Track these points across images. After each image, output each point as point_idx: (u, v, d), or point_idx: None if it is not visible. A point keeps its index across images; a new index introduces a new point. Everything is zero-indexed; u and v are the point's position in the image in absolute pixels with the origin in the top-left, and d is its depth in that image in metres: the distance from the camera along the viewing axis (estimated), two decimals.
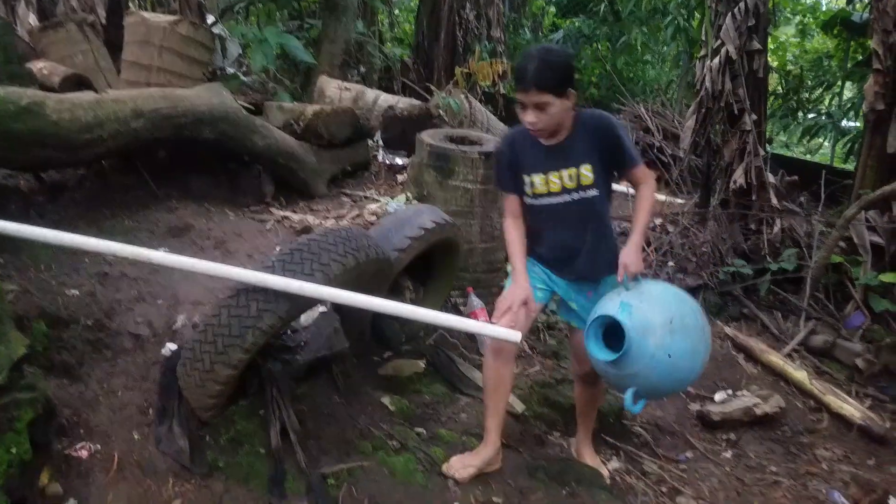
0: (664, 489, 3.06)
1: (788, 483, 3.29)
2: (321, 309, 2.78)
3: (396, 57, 8.34)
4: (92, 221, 2.86)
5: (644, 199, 2.52)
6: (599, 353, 2.36)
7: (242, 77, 5.96)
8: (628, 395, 2.31)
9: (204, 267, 2.16)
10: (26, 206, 2.95)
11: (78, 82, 3.83)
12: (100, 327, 2.56)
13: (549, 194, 2.53)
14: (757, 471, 3.37)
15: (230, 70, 5.98)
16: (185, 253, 2.70)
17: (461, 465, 2.62)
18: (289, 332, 2.67)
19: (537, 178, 2.53)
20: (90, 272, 2.78)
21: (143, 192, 3.63)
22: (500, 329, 2.30)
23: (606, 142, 2.45)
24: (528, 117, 2.38)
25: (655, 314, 2.29)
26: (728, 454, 3.49)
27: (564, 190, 2.50)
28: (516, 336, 2.26)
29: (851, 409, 3.85)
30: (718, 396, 3.95)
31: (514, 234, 2.60)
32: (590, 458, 3.00)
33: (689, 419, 3.75)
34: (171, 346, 2.60)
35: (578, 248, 2.58)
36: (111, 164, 3.54)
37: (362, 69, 7.52)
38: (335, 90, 5.85)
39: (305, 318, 2.73)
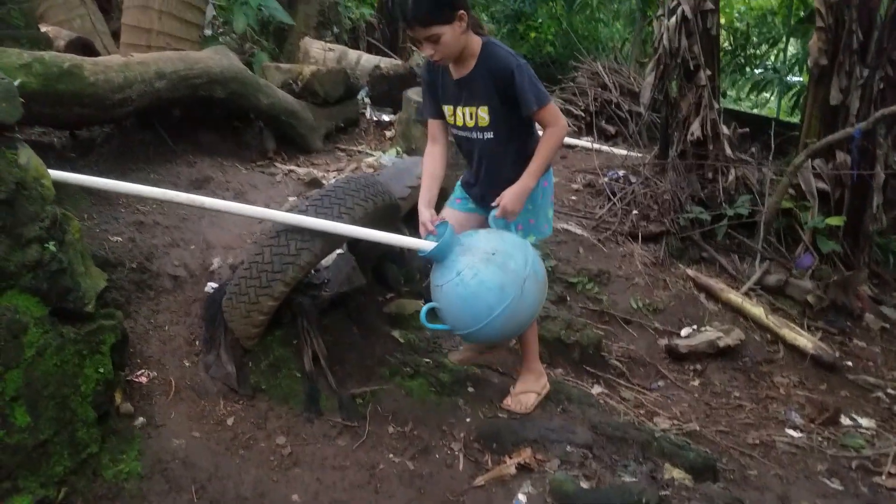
0: (642, 412, 3.30)
1: (751, 406, 3.58)
2: (338, 251, 3.06)
3: (362, 17, 8.45)
4: (120, 175, 3.03)
5: (542, 143, 2.45)
6: (425, 248, 2.43)
7: (220, 39, 6.05)
8: (425, 308, 2.41)
9: (255, 212, 2.44)
10: (61, 161, 3.11)
11: (82, 45, 3.95)
12: (142, 269, 2.78)
13: (456, 126, 2.60)
14: (722, 396, 3.63)
15: (207, 32, 6.06)
16: None
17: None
18: (313, 271, 2.94)
19: (447, 109, 2.59)
20: (127, 221, 2.98)
21: (162, 147, 3.82)
22: (413, 240, 2.51)
23: (504, 86, 2.39)
24: (427, 51, 2.37)
25: (485, 243, 2.35)
26: (696, 382, 3.75)
27: (465, 127, 2.56)
28: (428, 245, 2.41)
29: (804, 340, 4.15)
30: (684, 331, 4.18)
31: (427, 162, 2.65)
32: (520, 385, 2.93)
33: (658, 352, 3.96)
34: (213, 285, 2.84)
35: (473, 181, 2.71)
36: (131, 123, 3.73)
37: (336, 29, 7.64)
38: (319, 51, 5.99)
39: (325, 259, 2.98)
